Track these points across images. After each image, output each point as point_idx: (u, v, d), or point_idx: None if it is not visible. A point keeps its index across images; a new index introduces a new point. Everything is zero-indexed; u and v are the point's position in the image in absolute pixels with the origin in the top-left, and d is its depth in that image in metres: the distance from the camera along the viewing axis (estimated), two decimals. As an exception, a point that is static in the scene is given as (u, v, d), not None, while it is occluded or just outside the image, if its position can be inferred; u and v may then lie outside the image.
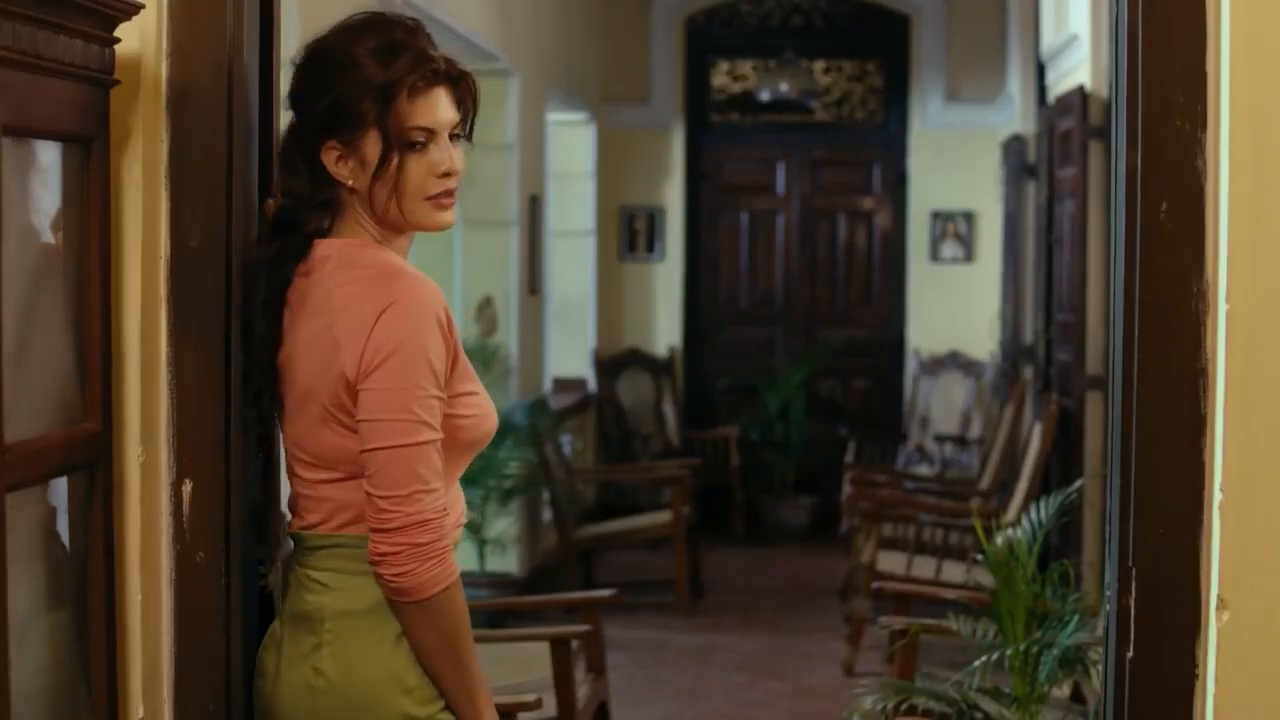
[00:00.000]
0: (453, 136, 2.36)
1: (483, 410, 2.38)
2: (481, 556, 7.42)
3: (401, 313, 2.25)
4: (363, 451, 2.26)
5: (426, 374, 2.24)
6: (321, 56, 2.34)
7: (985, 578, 4.43)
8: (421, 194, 2.33)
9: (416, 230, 2.39)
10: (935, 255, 10.57)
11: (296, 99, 2.38)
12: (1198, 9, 2.35)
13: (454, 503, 2.39)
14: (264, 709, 2.42)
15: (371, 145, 2.30)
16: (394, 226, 2.36)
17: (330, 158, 2.33)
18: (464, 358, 2.34)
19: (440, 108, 2.33)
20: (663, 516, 8.30)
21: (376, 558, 2.24)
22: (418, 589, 2.23)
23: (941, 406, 10.32)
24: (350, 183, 2.34)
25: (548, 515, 8.34)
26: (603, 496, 9.82)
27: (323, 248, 2.35)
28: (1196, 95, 2.35)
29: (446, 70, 2.34)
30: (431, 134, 2.32)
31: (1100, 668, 3.19)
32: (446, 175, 2.33)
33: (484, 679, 2.35)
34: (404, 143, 2.30)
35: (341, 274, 2.32)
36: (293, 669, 2.35)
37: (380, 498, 2.23)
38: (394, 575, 2.23)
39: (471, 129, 2.41)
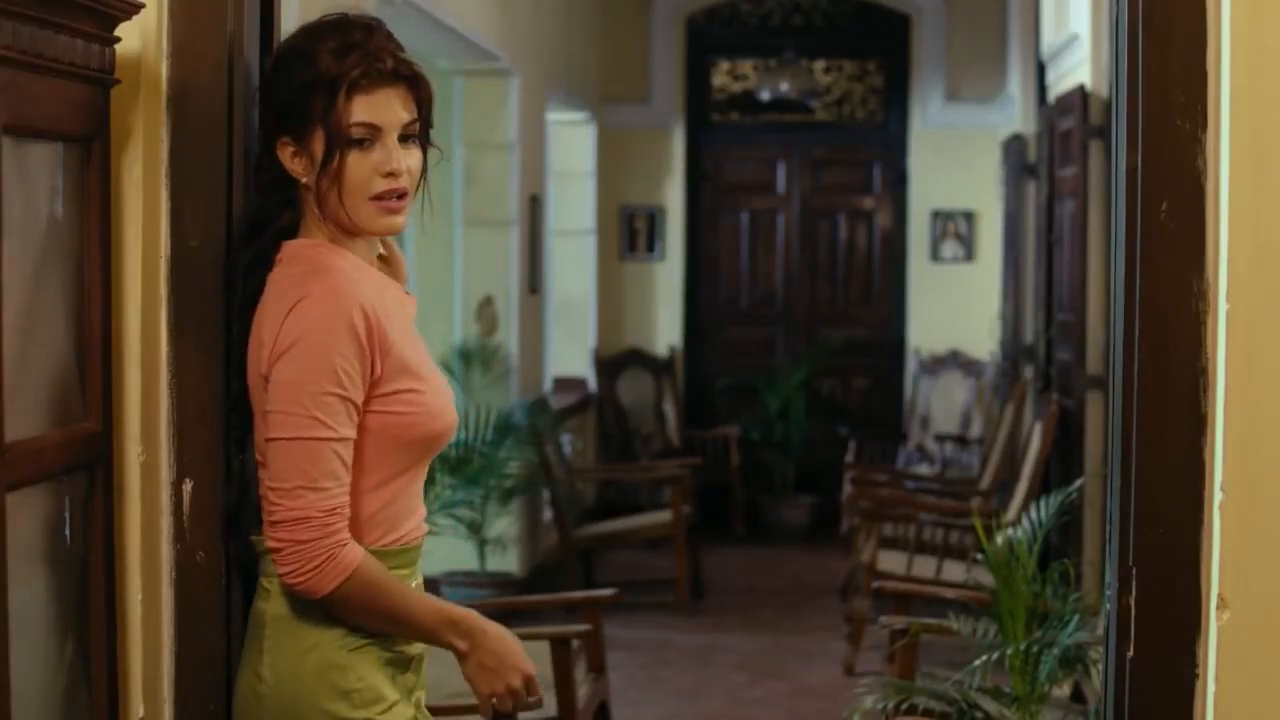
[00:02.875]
0: (407, 138, 2.34)
1: (427, 409, 2.33)
2: (481, 556, 7.42)
3: (308, 308, 2.24)
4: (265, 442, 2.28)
5: (327, 372, 2.22)
6: (286, 54, 2.36)
7: (985, 577, 4.43)
8: (365, 193, 2.31)
9: (365, 234, 2.37)
10: (935, 255, 10.58)
11: (261, 95, 2.39)
12: (1198, 9, 2.35)
13: (412, 504, 2.38)
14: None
15: (318, 142, 2.30)
16: (344, 228, 2.35)
17: (285, 153, 2.33)
18: (404, 354, 2.31)
19: (386, 107, 2.30)
20: (663, 516, 8.30)
21: (270, 552, 2.25)
22: (310, 589, 2.23)
23: (942, 406, 10.32)
24: (304, 179, 2.33)
25: (548, 515, 8.34)
26: (603, 496, 9.82)
27: (283, 250, 2.36)
28: (1196, 95, 2.35)
29: (395, 69, 2.31)
30: (376, 132, 2.30)
31: (1100, 667, 3.19)
32: (391, 175, 2.31)
33: (436, 610, 2.31)
34: (345, 139, 2.28)
35: (280, 271, 2.33)
36: (243, 673, 2.37)
37: (269, 489, 2.24)
38: (284, 573, 2.23)
39: (427, 132, 2.38)
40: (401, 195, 2.33)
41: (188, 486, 2.47)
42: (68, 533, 2.31)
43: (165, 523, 2.47)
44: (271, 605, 2.33)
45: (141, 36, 2.40)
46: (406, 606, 2.31)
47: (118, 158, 2.39)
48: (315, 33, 2.33)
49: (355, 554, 2.25)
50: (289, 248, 2.35)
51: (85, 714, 2.31)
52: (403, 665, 2.38)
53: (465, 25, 6.89)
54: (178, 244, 2.46)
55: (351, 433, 2.25)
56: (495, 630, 2.34)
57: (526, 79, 8.21)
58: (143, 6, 2.35)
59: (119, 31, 2.30)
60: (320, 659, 2.30)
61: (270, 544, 2.24)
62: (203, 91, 2.45)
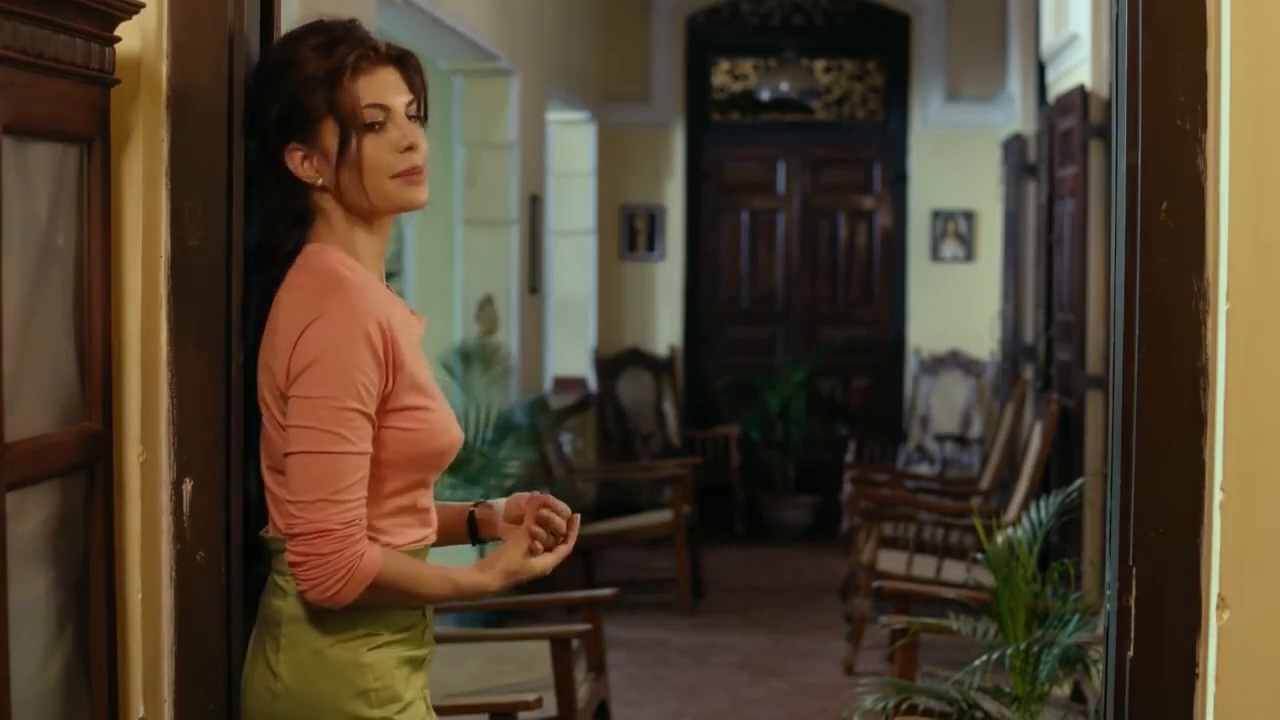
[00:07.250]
0: (410, 118, 2.36)
1: (432, 425, 2.34)
2: (481, 555, 7.41)
3: (326, 325, 2.25)
4: (284, 456, 2.29)
5: (347, 387, 2.23)
6: (269, 66, 2.38)
7: (986, 577, 4.43)
8: (387, 172, 2.32)
9: (391, 212, 2.38)
10: (935, 254, 10.58)
11: (253, 114, 2.40)
12: (1198, 8, 2.35)
13: (419, 517, 2.40)
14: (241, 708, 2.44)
15: (329, 135, 2.31)
16: (366, 217, 2.36)
17: (295, 160, 2.34)
18: (414, 371, 2.32)
19: (390, 86, 2.33)
20: (663, 515, 8.30)
21: (290, 566, 2.26)
22: (333, 601, 2.25)
23: (942, 406, 10.32)
24: (319, 181, 2.34)
25: (548, 514, 8.31)
26: (603, 495, 9.82)
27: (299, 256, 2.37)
28: (1197, 95, 2.35)
29: (388, 51, 2.35)
30: (387, 111, 2.32)
31: (1101, 667, 3.19)
32: (411, 150, 2.33)
33: (450, 584, 2.38)
34: (360, 123, 2.30)
35: (293, 279, 2.33)
36: (255, 671, 2.37)
37: (290, 502, 2.25)
38: (306, 587, 2.24)
39: (425, 109, 2.40)
40: (419, 170, 2.36)
41: (188, 486, 2.46)
42: (68, 533, 2.31)
43: (165, 523, 2.47)
44: (288, 604, 2.33)
45: (141, 36, 2.40)
46: (424, 593, 2.35)
47: (118, 158, 2.39)
48: (295, 38, 2.36)
49: (374, 562, 2.26)
50: (302, 253, 2.35)
51: (85, 714, 2.31)
52: (416, 665, 2.40)
53: (465, 25, 6.89)
54: (178, 244, 2.46)
55: (369, 447, 2.27)
56: (488, 576, 2.45)
57: (526, 79, 8.21)
58: (143, 6, 2.35)
59: (119, 31, 2.30)
60: (339, 657, 2.30)
61: (290, 558, 2.25)
62: (203, 91, 2.45)
